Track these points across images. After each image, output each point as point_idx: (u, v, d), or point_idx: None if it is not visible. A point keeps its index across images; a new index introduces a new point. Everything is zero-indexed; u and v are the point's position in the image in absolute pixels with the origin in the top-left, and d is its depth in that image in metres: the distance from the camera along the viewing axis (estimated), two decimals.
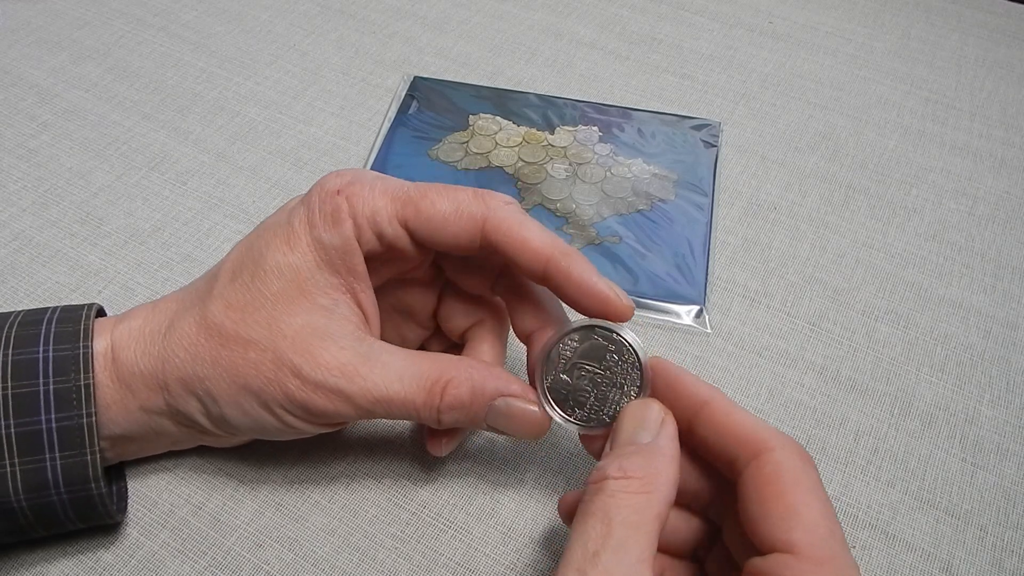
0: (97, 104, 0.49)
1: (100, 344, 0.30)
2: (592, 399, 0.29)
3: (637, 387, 0.29)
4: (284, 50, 0.54)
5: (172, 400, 0.30)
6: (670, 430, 0.27)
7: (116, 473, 0.33)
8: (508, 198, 0.30)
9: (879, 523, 0.34)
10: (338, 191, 0.30)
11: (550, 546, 0.33)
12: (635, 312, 0.40)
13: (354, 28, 0.56)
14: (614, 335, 0.29)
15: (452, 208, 0.29)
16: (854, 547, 0.33)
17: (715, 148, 0.49)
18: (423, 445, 0.35)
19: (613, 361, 0.29)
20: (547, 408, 0.30)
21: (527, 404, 0.30)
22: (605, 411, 0.29)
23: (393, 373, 0.29)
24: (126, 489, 0.33)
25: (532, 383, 0.31)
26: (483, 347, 0.33)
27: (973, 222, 0.46)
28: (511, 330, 0.33)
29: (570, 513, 0.29)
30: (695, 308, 0.41)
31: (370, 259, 0.30)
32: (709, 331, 0.40)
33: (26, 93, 0.50)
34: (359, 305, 0.30)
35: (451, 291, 0.34)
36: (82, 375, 0.28)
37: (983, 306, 0.42)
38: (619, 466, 0.25)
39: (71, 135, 0.47)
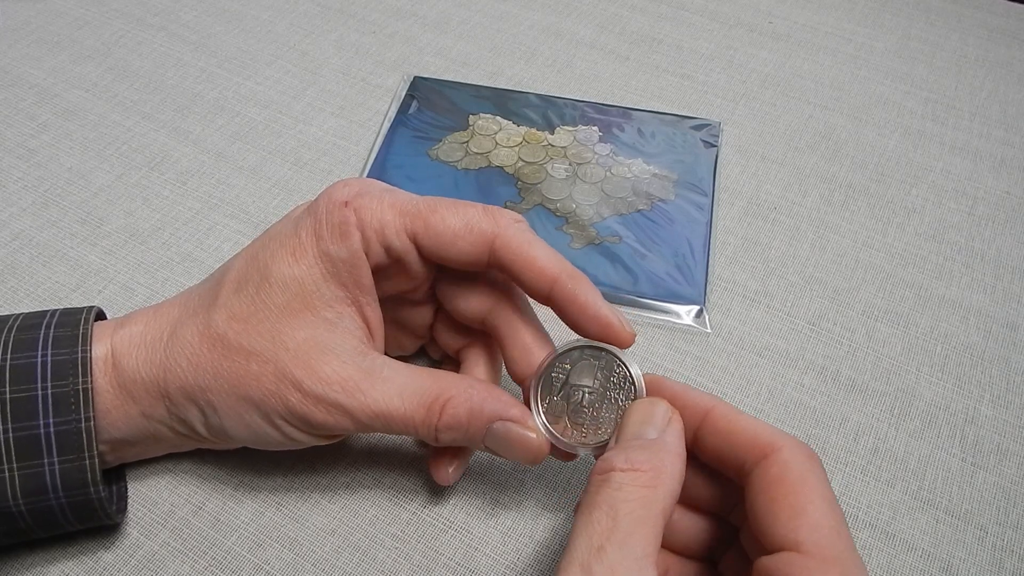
0: (97, 104, 0.49)
1: (100, 349, 0.30)
2: (588, 419, 0.29)
3: (633, 402, 0.29)
4: (284, 50, 0.54)
5: (173, 408, 0.30)
6: (676, 428, 0.27)
7: (116, 474, 0.33)
8: (518, 216, 0.30)
9: (879, 523, 0.34)
10: (346, 202, 0.29)
11: (550, 545, 0.33)
12: (635, 312, 0.40)
13: (354, 28, 0.56)
14: (603, 353, 0.29)
15: (462, 224, 0.29)
16: None
17: (715, 148, 0.48)
18: (425, 450, 0.35)
19: (605, 377, 0.29)
20: (546, 433, 0.29)
21: (525, 430, 0.29)
22: (603, 430, 0.29)
23: (393, 389, 0.29)
24: (126, 489, 0.33)
25: (528, 406, 0.30)
26: (479, 365, 0.33)
27: (973, 222, 0.46)
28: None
29: None
30: (695, 308, 0.41)
31: (375, 272, 0.30)
32: (709, 331, 0.40)
33: (26, 93, 0.50)
34: (363, 318, 0.30)
35: (447, 311, 0.34)
36: (80, 379, 0.28)
37: (983, 306, 0.42)
38: (626, 458, 0.25)
39: (71, 135, 0.47)
